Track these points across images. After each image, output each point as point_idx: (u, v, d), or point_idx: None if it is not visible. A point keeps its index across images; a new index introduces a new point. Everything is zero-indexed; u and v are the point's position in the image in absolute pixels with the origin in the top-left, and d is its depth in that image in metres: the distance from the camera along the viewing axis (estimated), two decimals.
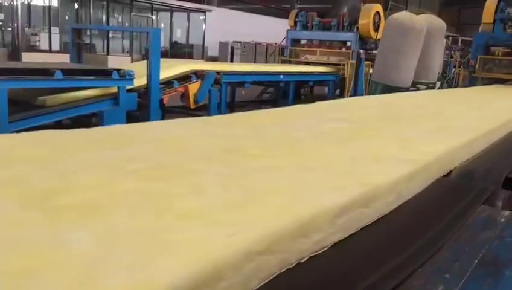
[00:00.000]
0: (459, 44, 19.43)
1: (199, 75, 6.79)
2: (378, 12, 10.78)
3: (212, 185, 1.35)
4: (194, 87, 6.65)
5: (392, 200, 1.51)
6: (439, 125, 2.70)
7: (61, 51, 14.86)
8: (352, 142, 2.09)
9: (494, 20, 8.40)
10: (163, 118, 6.00)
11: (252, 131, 2.25)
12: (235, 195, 1.27)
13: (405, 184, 1.60)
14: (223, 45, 21.29)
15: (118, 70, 5.29)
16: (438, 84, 11.60)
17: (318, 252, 1.19)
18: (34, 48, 14.83)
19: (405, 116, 3.15)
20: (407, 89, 8.24)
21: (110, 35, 16.56)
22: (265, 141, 2.03)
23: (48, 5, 16.07)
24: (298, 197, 1.28)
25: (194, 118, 2.61)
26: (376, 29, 10.66)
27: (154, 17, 18.58)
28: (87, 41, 15.58)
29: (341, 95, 10.10)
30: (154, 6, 18.34)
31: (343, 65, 10.23)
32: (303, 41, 12.10)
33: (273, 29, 19.33)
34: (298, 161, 1.70)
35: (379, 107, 3.58)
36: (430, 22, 9.05)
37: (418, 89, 8.51)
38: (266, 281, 1.02)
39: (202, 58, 18.94)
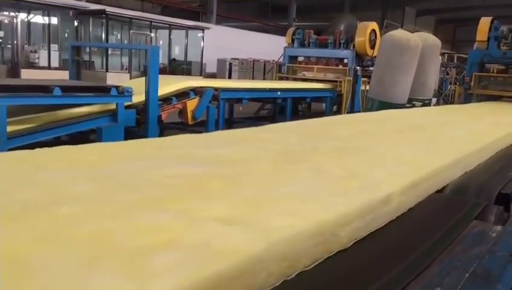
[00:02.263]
0: (455, 61, 19.62)
1: (197, 91, 6.84)
2: (374, 30, 10.93)
3: None
4: (192, 103, 6.70)
5: None
6: (343, 175, 1.79)
7: (61, 67, 14.97)
8: (139, 214, 1.21)
9: (489, 38, 8.50)
10: (161, 134, 6.03)
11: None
12: None
13: None
14: (221, 62, 21.44)
15: (117, 87, 5.34)
16: (434, 100, 11.70)
17: None
18: (33, 65, 14.92)
19: (316, 154, 2.16)
20: (403, 106, 8.31)
21: (109, 52, 16.69)
22: None
23: (47, 22, 16.23)
24: None
25: None
26: (372, 47, 10.79)
27: (153, 34, 18.75)
28: (86, 58, 15.68)
29: (338, 111, 10.18)
30: (153, 23, 18.52)
31: (340, 82, 10.32)
32: (300, 58, 12.22)
33: (270, 47, 19.52)
34: None
35: (300, 137, 2.65)
36: (425, 39, 9.17)
37: (414, 106, 8.58)
38: None
39: (200, 75, 19.06)
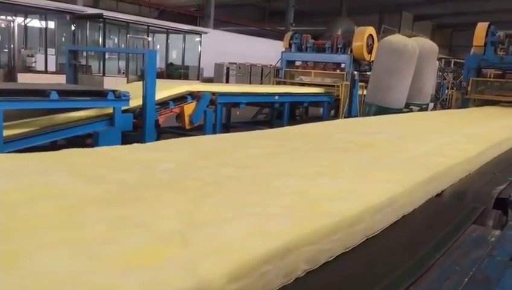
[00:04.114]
0: (452, 66, 19.68)
1: (195, 96, 6.84)
2: (371, 35, 10.96)
3: None
4: (189, 108, 6.69)
5: None
6: (164, 232, 1.19)
7: (57, 72, 14.93)
8: None
9: (485, 43, 8.54)
10: (158, 138, 6.02)
11: None
12: None
13: None
14: (218, 66, 21.46)
15: (114, 91, 5.32)
16: (431, 105, 11.72)
17: None
18: (30, 69, 14.90)
19: (174, 190, 1.59)
20: (400, 110, 8.32)
21: (106, 56, 16.67)
22: None
23: (44, 26, 16.21)
24: None
25: None
26: (369, 52, 10.82)
27: (150, 38, 18.74)
28: (83, 62, 15.67)
29: (336, 116, 10.19)
30: (150, 28, 18.52)
31: (338, 86, 10.34)
32: (297, 63, 12.24)
33: (268, 51, 19.56)
34: None
35: (190, 159, 2.09)
36: (422, 44, 9.19)
37: (411, 110, 8.59)
38: None
39: (198, 79, 19.06)
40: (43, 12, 15.84)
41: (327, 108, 10.36)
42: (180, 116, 6.70)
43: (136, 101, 5.66)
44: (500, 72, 8.86)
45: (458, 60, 20.14)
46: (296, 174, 1.91)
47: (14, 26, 14.23)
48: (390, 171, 2.04)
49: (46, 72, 15.09)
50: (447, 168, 2.24)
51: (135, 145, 2.35)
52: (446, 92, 15.83)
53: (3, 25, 14.78)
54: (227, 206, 1.42)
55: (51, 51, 15.79)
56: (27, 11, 15.62)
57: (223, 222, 1.26)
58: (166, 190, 1.55)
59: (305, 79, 11.39)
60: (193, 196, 1.50)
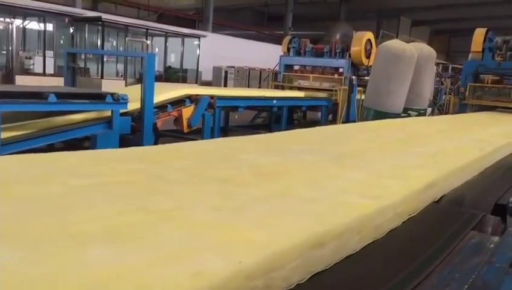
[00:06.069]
0: (450, 71, 19.75)
1: (193, 99, 6.84)
2: (369, 40, 11.00)
3: None
4: (187, 111, 6.69)
5: None
6: None
7: (56, 74, 14.93)
8: None
9: (483, 49, 8.58)
10: (156, 142, 6.01)
11: None
12: None
13: None
14: (216, 70, 21.47)
15: (112, 94, 5.32)
16: (429, 110, 11.75)
17: None
18: (28, 71, 14.88)
19: None
20: (398, 115, 8.33)
21: (105, 59, 16.67)
22: None
23: (43, 29, 16.21)
24: None
25: None
26: (368, 56, 10.85)
27: (148, 41, 18.76)
28: (82, 65, 15.68)
29: (334, 120, 10.20)
30: (149, 31, 18.53)
31: (336, 91, 10.36)
32: (296, 67, 12.26)
33: (266, 55, 19.58)
34: None
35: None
36: (420, 49, 9.22)
37: (409, 115, 8.61)
38: None
39: (196, 83, 19.06)
40: (41, 15, 15.85)
41: (325, 112, 10.39)
42: (178, 120, 6.69)
43: (134, 104, 5.66)
44: (498, 78, 8.90)
45: (456, 66, 20.22)
46: (96, 226, 1.12)
47: (12, 29, 14.23)
48: (255, 227, 1.22)
49: (44, 74, 15.09)
50: (360, 218, 1.39)
51: None
52: (444, 97, 15.86)
53: (1, 27, 14.77)
54: None
55: (50, 53, 15.79)
56: (26, 13, 15.63)
57: None
58: None
59: (304, 83, 11.41)
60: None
